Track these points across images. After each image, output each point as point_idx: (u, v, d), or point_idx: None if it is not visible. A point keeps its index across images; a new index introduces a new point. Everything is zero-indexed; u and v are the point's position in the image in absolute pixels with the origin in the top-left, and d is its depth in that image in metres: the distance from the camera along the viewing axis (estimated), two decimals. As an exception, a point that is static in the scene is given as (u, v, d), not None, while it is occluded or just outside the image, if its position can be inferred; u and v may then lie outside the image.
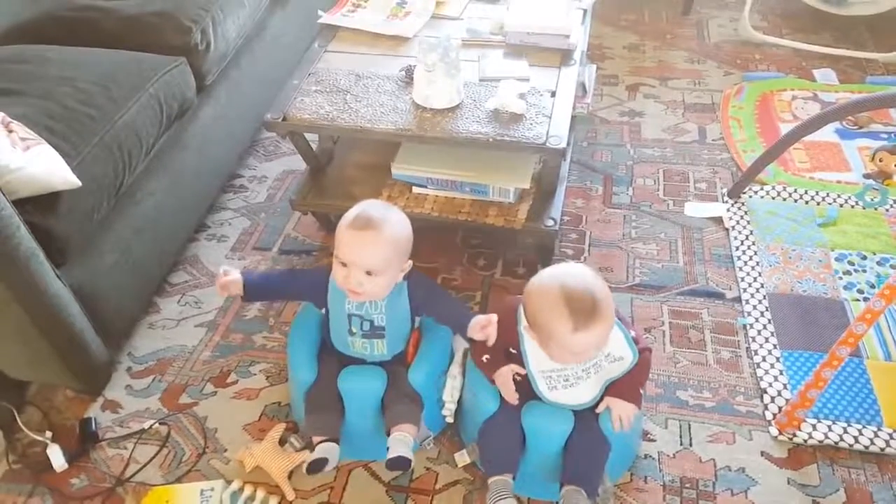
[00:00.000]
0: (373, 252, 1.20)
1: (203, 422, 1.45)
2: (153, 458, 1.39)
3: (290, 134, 1.56)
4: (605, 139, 2.15)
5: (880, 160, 1.83)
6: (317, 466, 1.25)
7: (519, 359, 1.27)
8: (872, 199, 1.78)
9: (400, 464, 1.24)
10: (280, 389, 1.50)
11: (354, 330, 1.32)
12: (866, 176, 1.91)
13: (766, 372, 1.50)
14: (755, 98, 2.28)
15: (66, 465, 1.37)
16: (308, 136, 1.65)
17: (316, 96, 1.54)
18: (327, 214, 1.76)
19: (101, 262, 1.46)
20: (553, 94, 1.52)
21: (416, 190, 1.61)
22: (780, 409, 1.43)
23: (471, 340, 1.27)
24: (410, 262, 1.29)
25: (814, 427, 1.39)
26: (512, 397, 1.26)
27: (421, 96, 1.47)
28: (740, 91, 2.31)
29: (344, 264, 1.22)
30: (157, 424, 1.44)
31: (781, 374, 1.49)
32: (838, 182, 1.95)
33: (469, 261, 1.77)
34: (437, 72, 1.42)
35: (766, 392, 1.46)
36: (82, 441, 1.42)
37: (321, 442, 1.28)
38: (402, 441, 1.27)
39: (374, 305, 1.30)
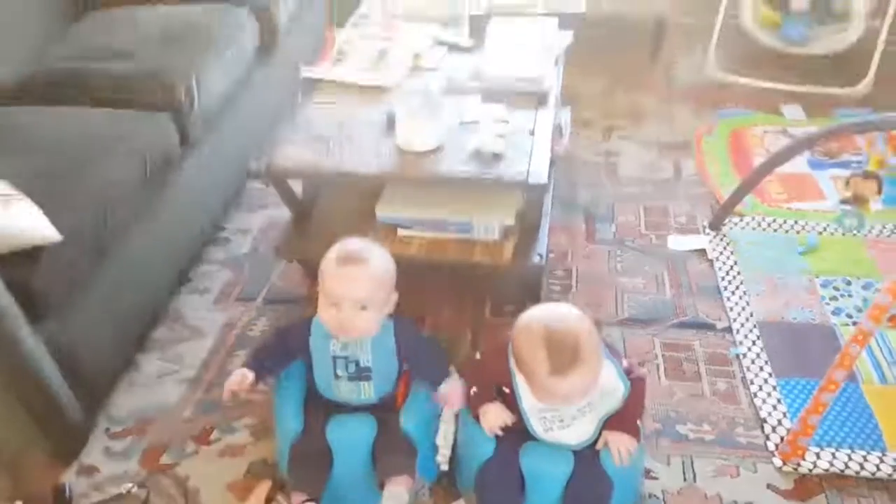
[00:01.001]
0: (363, 285, 1.19)
1: (185, 482, 1.38)
2: (132, 523, 1.32)
3: (273, 181, 1.55)
4: (585, 178, 2.17)
5: (854, 185, 1.88)
6: None
7: (512, 398, 1.23)
8: (851, 225, 1.81)
9: None
10: (265, 445, 1.44)
11: (340, 373, 1.28)
12: (843, 202, 1.94)
13: (764, 401, 1.48)
14: (727, 134, 2.33)
15: (38, 537, 1.29)
16: (293, 184, 1.64)
17: (299, 144, 1.54)
18: (313, 262, 1.73)
19: (79, 316, 1.41)
20: (531, 133, 1.54)
21: (401, 232, 1.59)
22: (781, 438, 1.40)
23: (461, 374, 1.25)
24: (395, 293, 1.27)
25: (817, 455, 1.36)
26: (492, 430, 1.22)
27: (403, 140, 1.48)
28: (712, 129, 2.36)
29: (335, 304, 1.20)
30: (135, 488, 1.37)
31: (780, 402, 1.47)
32: (815, 211, 1.98)
33: (457, 302, 1.74)
34: (419, 115, 1.44)
35: (765, 422, 1.44)
36: (57, 510, 1.34)
37: (303, 502, 1.22)
38: (395, 499, 1.21)
39: (360, 345, 1.26)
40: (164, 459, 1.43)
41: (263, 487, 1.34)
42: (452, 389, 1.25)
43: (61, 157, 1.44)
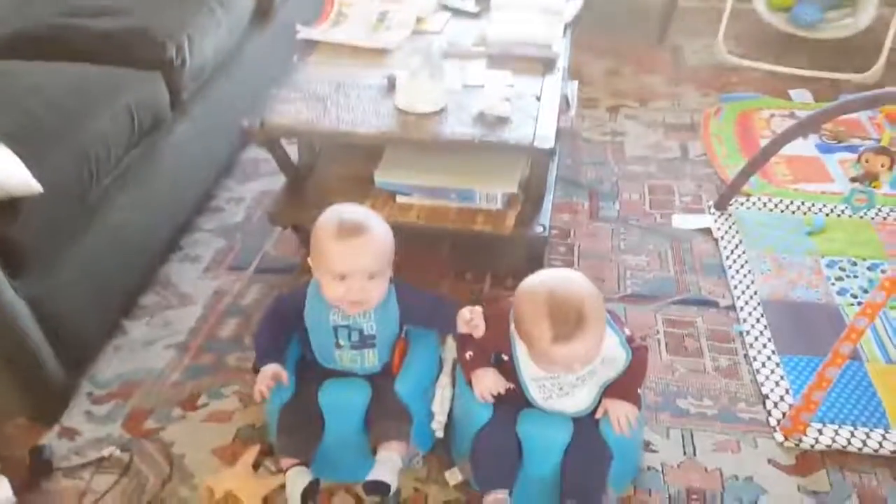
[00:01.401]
0: (371, 255, 1.15)
1: (169, 447, 1.34)
2: (112, 487, 1.27)
3: (267, 143, 1.51)
4: (589, 157, 2.13)
5: (866, 161, 1.84)
6: (311, 492, 1.14)
7: (511, 365, 1.19)
8: (860, 203, 1.77)
9: (378, 488, 1.14)
10: (254, 411, 1.40)
11: (342, 342, 1.23)
12: (853, 180, 1.90)
13: (767, 378, 1.44)
14: (734, 117, 2.29)
15: (13, 499, 1.24)
16: (288, 149, 1.60)
17: (295, 103, 1.50)
18: (307, 229, 1.69)
19: (63, 276, 1.37)
20: (538, 99, 1.49)
21: (399, 199, 1.55)
22: (783, 414, 1.37)
23: (458, 338, 1.21)
24: (395, 256, 1.22)
25: (819, 432, 1.33)
26: (484, 396, 1.19)
27: (404, 101, 1.44)
28: (719, 111, 2.32)
29: (343, 277, 1.15)
30: (117, 452, 1.33)
31: (782, 379, 1.44)
32: (823, 192, 1.94)
33: (456, 275, 1.70)
34: (421, 76, 1.39)
35: (767, 398, 1.40)
36: (34, 472, 1.29)
37: (291, 466, 1.18)
38: (388, 463, 1.17)
39: (363, 313, 1.22)
40: (149, 424, 1.39)
41: (251, 452, 1.30)
42: (472, 309, 1.19)
43: (44, 110, 1.38)
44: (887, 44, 2.38)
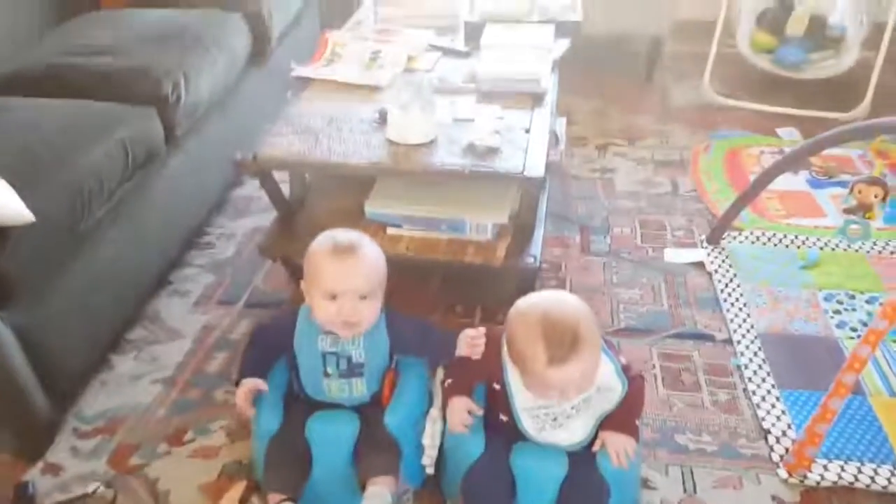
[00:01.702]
0: (364, 274, 1.15)
1: (154, 484, 1.30)
2: (95, 525, 1.23)
3: (259, 175, 1.51)
4: (579, 193, 2.14)
5: (859, 192, 1.85)
6: None
7: (503, 394, 1.17)
8: (854, 235, 1.77)
9: None
10: (241, 447, 1.36)
11: (330, 371, 1.21)
12: (846, 211, 1.91)
13: (768, 412, 1.42)
14: (723, 154, 2.31)
15: (-6, 538, 1.20)
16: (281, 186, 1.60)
17: (287, 136, 1.51)
18: (297, 262, 1.68)
19: (52, 308, 1.35)
20: (527, 131, 1.50)
21: (390, 231, 1.54)
22: (786, 449, 1.33)
23: (445, 365, 1.18)
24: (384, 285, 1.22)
25: (825, 468, 1.29)
26: (458, 426, 1.16)
27: (395, 133, 1.45)
28: (708, 148, 2.35)
29: (334, 297, 1.14)
30: (101, 488, 1.29)
31: (784, 413, 1.41)
32: (816, 227, 1.95)
33: (447, 308, 1.69)
34: (412, 109, 1.41)
35: (769, 433, 1.37)
36: (17, 509, 1.25)
37: (280, 502, 1.14)
38: (377, 499, 1.14)
39: (352, 340, 1.20)
40: (135, 460, 1.35)
41: (238, 488, 1.26)
42: (478, 330, 1.19)
43: (39, 143, 1.39)
44: (872, 82, 2.43)
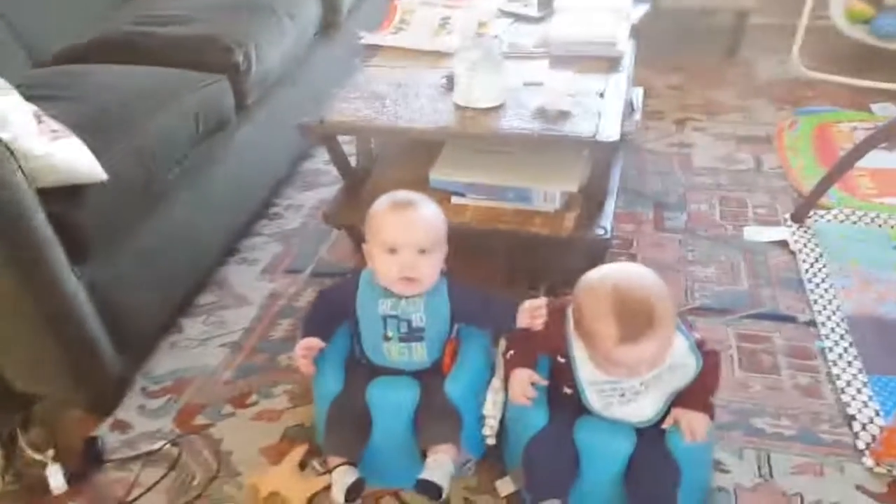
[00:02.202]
0: (423, 227, 1.15)
1: (218, 444, 1.32)
2: (159, 481, 1.26)
3: (325, 140, 1.50)
4: (654, 168, 2.05)
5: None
6: (356, 490, 1.11)
7: (567, 367, 1.12)
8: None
9: (429, 489, 1.09)
10: (304, 411, 1.37)
11: (390, 334, 1.20)
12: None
13: (853, 398, 1.32)
14: (811, 130, 2.17)
15: (64, 487, 1.25)
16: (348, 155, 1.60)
17: (354, 102, 1.49)
18: (362, 233, 1.68)
19: (123, 266, 1.39)
20: (601, 96, 1.44)
21: (455, 200, 1.51)
22: (873, 437, 1.23)
23: (507, 336, 1.15)
24: (447, 246, 1.20)
25: (917, 459, 1.19)
26: (520, 397, 1.11)
27: (462, 96, 1.41)
28: (794, 124, 2.21)
29: (393, 251, 1.14)
30: (167, 446, 1.32)
31: (871, 399, 1.31)
32: (912, 206, 1.80)
33: (511, 282, 1.64)
34: (479, 70, 1.37)
35: (854, 419, 1.28)
36: (86, 462, 1.29)
37: (338, 466, 1.14)
38: (440, 466, 1.12)
39: (412, 303, 1.18)
40: (200, 420, 1.37)
41: (298, 451, 1.27)
42: (540, 300, 1.15)
43: (115, 106, 1.42)
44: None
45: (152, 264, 1.47)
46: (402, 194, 1.19)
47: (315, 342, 1.19)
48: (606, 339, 0.99)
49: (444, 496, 1.09)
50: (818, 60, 2.53)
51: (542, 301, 1.14)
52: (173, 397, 1.43)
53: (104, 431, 1.36)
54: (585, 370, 1.10)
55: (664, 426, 1.09)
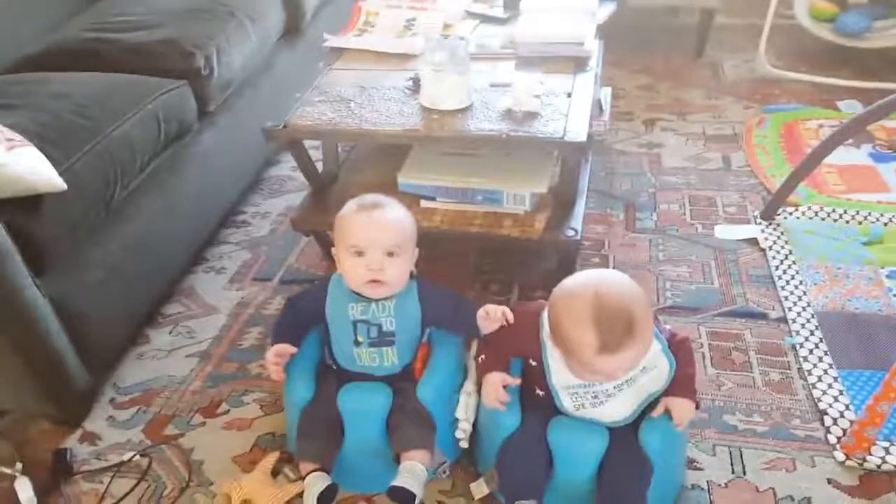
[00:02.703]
0: (390, 229, 1.14)
1: (188, 454, 1.30)
2: (130, 492, 1.23)
3: (290, 145, 1.48)
4: (624, 168, 2.05)
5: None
6: (328, 496, 1.09)
7: (540, 371, 1.11)
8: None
9: (402, 496, 1.08)
10: (275, 419, 1.35)
11: (360, 338, 1.18)
12: (912, 181, 1.79)
13: (824, 393, 1.33)
14: (779, 128, 2.19)
15: (34, 501, 1.22)
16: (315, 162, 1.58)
17: (318, 105, 1.48)
18: (331, 240, 1.66)
19: (87, 277, 1.35)
20: (569, 96, 1.44)
21: (424, 204, 1.50)
22: (844, 431, 1.24)
23: (479, 341, 1.14)
24: (417, 250, 1.19)
25: (886, 451, 1.20)
26: (493, 402, 1.10)
27: (429, 98, 1.40)
28: (762, 122, 2.23)
29: (360, 253, 1.13)
30: (137, 456, 1.29)
31: (841, 394, 1.32)
32: (879, 202, 1.83)
33: (482, 286, 1.64)
34: (446, 71, 1.36)
35: (826, 414, 1.29)
36: (55, 475, 1.26)
37: (311, 472, 1.13)
38: (412, 472, 1.10)
39: (382, 307, 1.17)
40: (170, 430, 1.35)
41: (270, 459, 1.25)
42: (496, 308, 1.13)
43: (72, 113, 1.39)
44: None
45: (117, 274, 1.43)
46: (370, 197, 1.18)
47: (286, 348, 1.17)
48: (585, 348, 0.98)
49: (417, 502, 1.08)
50: (784, 59, 2.57)
51: (498, 308, 1.12)
52: (142, 408, 1.40)
53: (73, 444, 1.33)
54: (559, 375, 1.10)
55: (654, 414, 1.08)
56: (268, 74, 2.00)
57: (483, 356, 1.15)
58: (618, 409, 1.10)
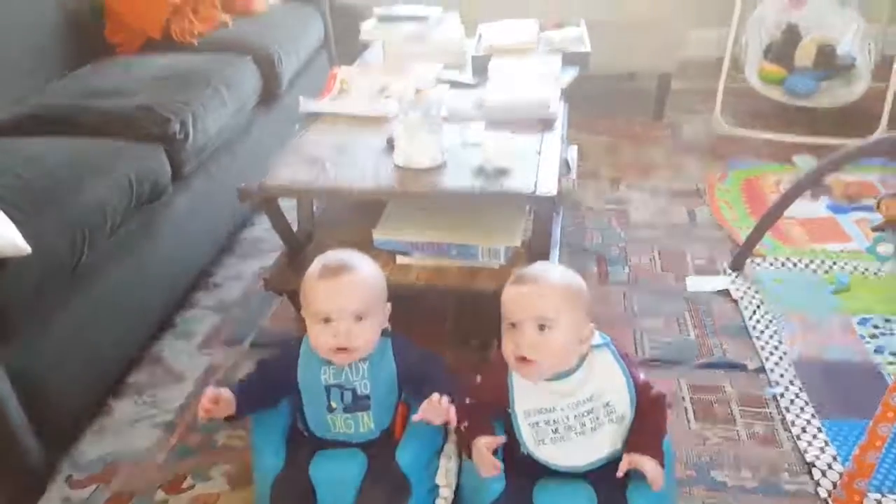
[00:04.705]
0: (356, 293, 1.09)
1: (150, 535, 1.21)
2: (85, 580, 1.14)
3: (266, 206, 1.46)
4: (594, 224, 2.08)
5: (886, 208, 1.77)
6: None
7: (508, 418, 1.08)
8: (885, 253, 1.69)
9: None
10: (243, 494, 1.27)
11: (334, 405, 1.13)
12: (874, 229, 1.83)
13: (810, 444, 1.31)
14: (740, 182, 2.26)
15: None
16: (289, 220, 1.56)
17: (293, 165, 1.47)
18: (303, 300, 1.62)
19: (49, 348, 1.29)
20: (538, 153, 1.46)
21: (399, 260, 1.49)
22: (834, 484, 1.22)
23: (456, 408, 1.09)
24: (389, 304, 1.16)
25: (879, 503, 1.18)
26: (489, 470, 1.05)
27: (403, 157, 1.41)
28: (724, 177, 2.30)
29: (327, 320, 1.08)
30: (94, 540, 1.20)
31: (828, 444, 1.31)
32: (843, 251, 1.87)
33: (460, 343, 1.61)
34: (419, 130, 1.37)
35: (814, 466, 1.27)
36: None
37: None
38: None
39: (356, 370, 1.13)
40: (130, 510, 1.26)
41: (238, 537, 1.17)
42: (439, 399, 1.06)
43: (42, 177, 1.36)
44: (886, 109, 2.38)
45: (82, 342, 1.37)
46: (334, 257, 1.13)
47: (224, 397, 1.09)
48: (508, 288, 1.05)
49: None
50: (739, 118, 2.67)
51: (443, 399, 1.06)
52: (101, 486, 1.31)
53: (22, 529, 1.23)
54: (520, 397, 1.07)
55: (619, 474, 1.04)
56: (244, 139, 2.00)
57: (466, 423, 1.10)
58: (581, 452, 1.06)
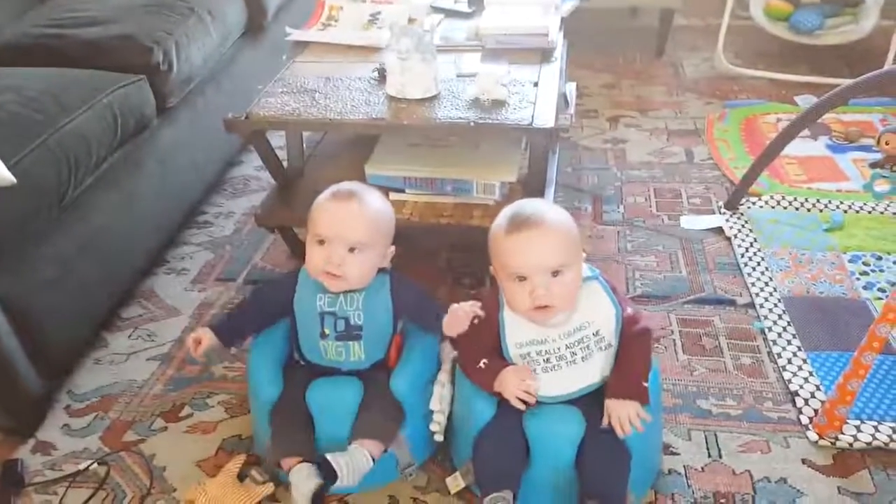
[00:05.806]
0: (357, 223, 1.08)
1: (150, 460, 1.24)
2: (87, 502, 1.17)
3: (253, 138, 1.44)
4: (590, 164, 2.06)
5: (886, 143, 1.75)
6: (319, 497, 1.03)
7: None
8: (881, 188, 1.68)
9: (326, 470, 1.02)
10: (241, 422, 1.30)
11: (327, 331, 1.15)
12: (872, 165, 1.82)
13: (794, 374, 1.34)
14: (739, 121, 2.23)
15: (-20, 516, 1.15)
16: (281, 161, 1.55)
17: (282, 97, 1.44)
18: (298, 238, 1.62)
19: (39, 276, 1.29)
20: (535, 85, 1.43)
21: (393, 196, 1.47)
22: (815, 412, 1.25)
23: (457, 345, 1.11)
24: (393, 247, 1.15)
25: (857, 429, 1.21)
26: (521, 396, 1.05)
27: (395, 87, 1.38)
28: (723, 116, 2.27)
29: (322, 242, 1.08)
30: (94, 465, 1.23)
31: (812, 375, 1.33)
32: (839, 191, 1.86)
33: (454, 281, 1.62)
34: (412, 59, 1.34)
35: (797, 395, 1.29)
36: (5, 488, 1.19)
37: (296, 464, 1.06)
38: (352, 455, 1.05)
39: (350, 300, 1.14)
40: (129, 437, 1.29)
41: (236, 462, 1.20)
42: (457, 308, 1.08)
43: (24, 107, 1.33)
44: (893, 48, 2.33)
45: (72, 274, 1.37)
46: (348, 185, 1.13)
47: (206, 338, 1.13)
48: (498, 236, 1.03)
49: (338, 485, 1.03)
50: (742, 57, 2.62)
51: (465, 304, 1.08)
52: (100, 414, 1.34)
53: (25, 454, 1.26)
54: (512, 331, 1.08)
55: (602, 425, 1.05)
56: (230, 71, 1.95)
57: (484, 361, 1.09)
58: (572, 381, 1.08)
